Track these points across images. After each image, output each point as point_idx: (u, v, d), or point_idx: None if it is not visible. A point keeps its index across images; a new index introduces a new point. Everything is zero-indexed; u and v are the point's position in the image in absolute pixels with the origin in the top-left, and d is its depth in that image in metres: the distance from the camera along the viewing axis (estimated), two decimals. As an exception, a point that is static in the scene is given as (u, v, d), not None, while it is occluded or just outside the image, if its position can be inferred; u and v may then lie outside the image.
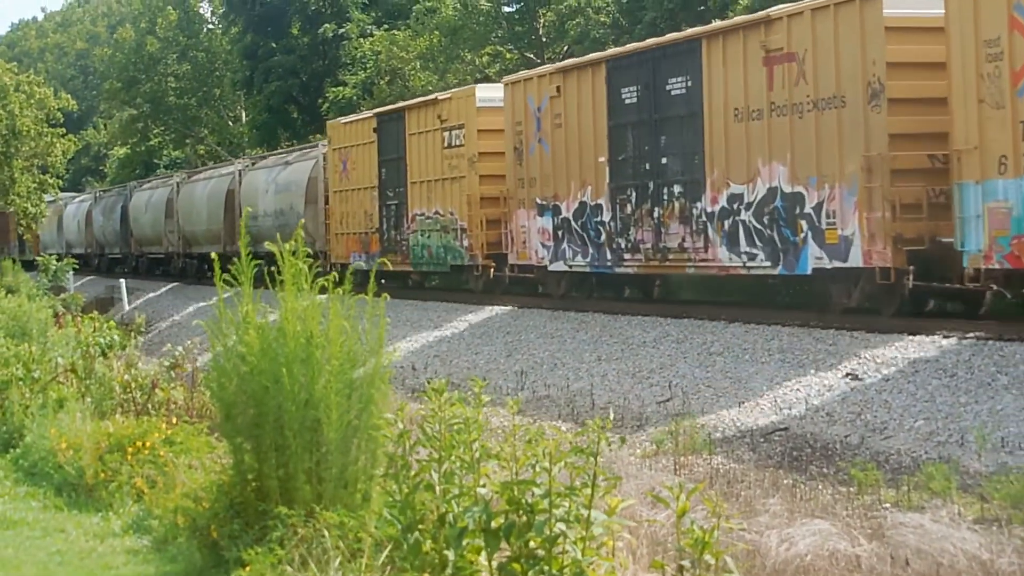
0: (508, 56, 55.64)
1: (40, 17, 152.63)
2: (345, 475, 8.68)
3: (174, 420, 13.35)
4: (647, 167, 25.20)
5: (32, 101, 51.19)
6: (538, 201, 28.59)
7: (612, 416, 8.40)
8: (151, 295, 53.64)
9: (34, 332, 20.83)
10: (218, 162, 64.52)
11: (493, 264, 30.85)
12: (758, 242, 22.41)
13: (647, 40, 28.53)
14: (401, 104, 37.16)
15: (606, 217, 26.28)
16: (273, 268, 8.93)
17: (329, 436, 8.55)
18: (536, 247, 28.87)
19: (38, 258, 54.45)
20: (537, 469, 7.27)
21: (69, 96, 56.88)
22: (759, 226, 22.35)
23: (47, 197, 72.87)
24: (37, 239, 75.44)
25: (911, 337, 18.96)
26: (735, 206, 22.90)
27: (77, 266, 55.81)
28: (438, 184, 32.41)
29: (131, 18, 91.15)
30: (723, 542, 7.11)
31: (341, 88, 61.21)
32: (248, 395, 8.76)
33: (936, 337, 18.63)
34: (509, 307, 29.54)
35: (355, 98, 59.21)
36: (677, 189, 24.46)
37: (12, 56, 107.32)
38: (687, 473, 15.50)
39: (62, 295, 42.83)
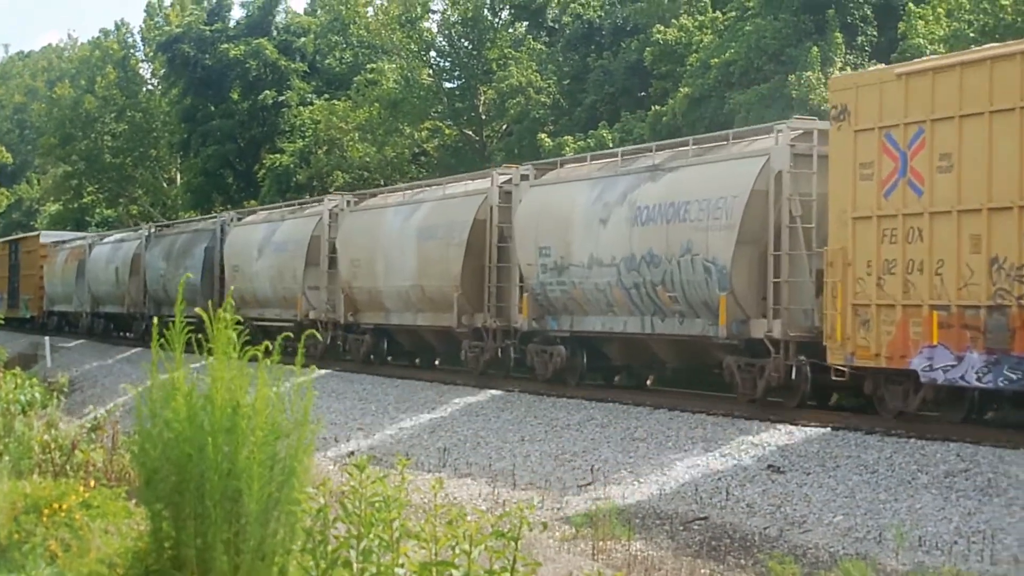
0: (447, 131, 56.11)
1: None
2: (263, 547, 8.60)
3: (92, 483, 13.18)
4: None
5: (-36, 152, 50.85)
6: None
7: (535, 501, 8.40)
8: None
9: (-49, 387, 20.51)
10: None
11: None
12: None
13: None
14: None
15: None
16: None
17: (249, 507, 8.48)
18: None
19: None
20: (457, 551, 7.26)
21: (3, 148, 56.52)
22: None
23: (55, 234, 66.42)
24: (41, 292, 64.36)
25: (835, 432, 19.16)
26: None
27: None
28: None
29: (70, 75, 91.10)
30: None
31: (278, 155, 61.32)
32: (171, 462, 8.69)
33: (860, 433, 18.85)
34: None
35: (292, 166, 59.35)
36: None
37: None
38: (605, 559, 15.45)
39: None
